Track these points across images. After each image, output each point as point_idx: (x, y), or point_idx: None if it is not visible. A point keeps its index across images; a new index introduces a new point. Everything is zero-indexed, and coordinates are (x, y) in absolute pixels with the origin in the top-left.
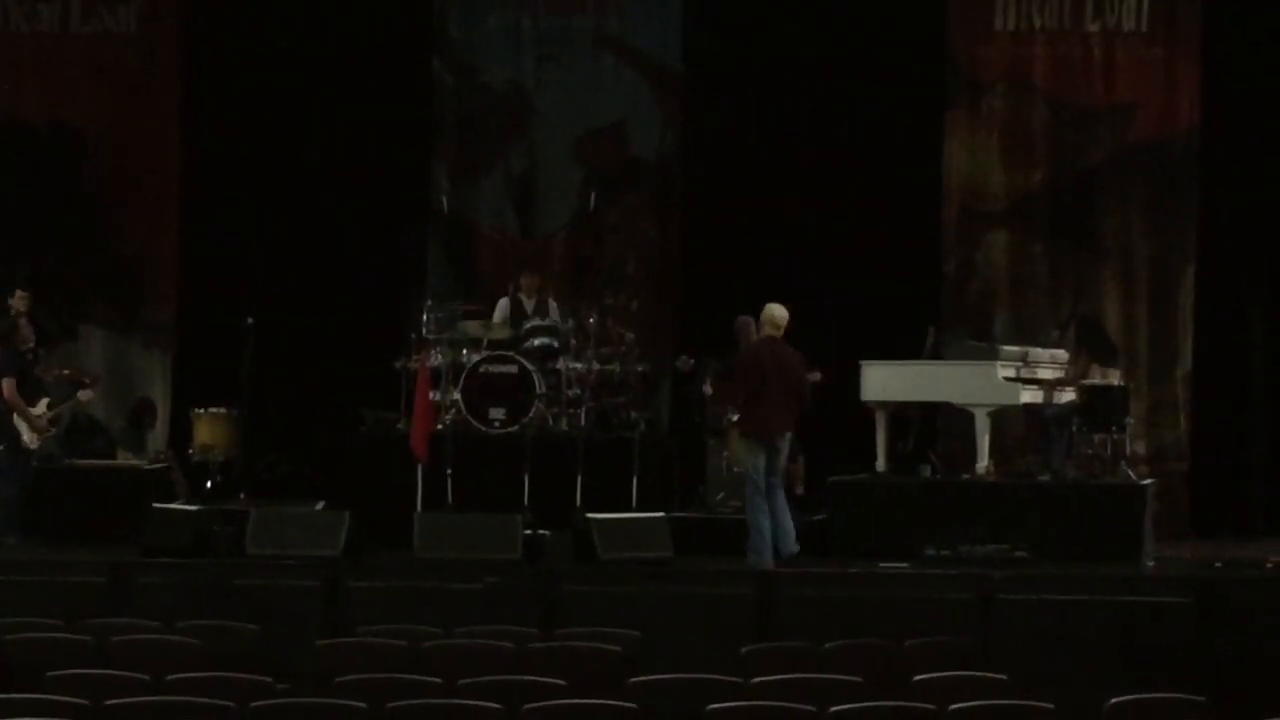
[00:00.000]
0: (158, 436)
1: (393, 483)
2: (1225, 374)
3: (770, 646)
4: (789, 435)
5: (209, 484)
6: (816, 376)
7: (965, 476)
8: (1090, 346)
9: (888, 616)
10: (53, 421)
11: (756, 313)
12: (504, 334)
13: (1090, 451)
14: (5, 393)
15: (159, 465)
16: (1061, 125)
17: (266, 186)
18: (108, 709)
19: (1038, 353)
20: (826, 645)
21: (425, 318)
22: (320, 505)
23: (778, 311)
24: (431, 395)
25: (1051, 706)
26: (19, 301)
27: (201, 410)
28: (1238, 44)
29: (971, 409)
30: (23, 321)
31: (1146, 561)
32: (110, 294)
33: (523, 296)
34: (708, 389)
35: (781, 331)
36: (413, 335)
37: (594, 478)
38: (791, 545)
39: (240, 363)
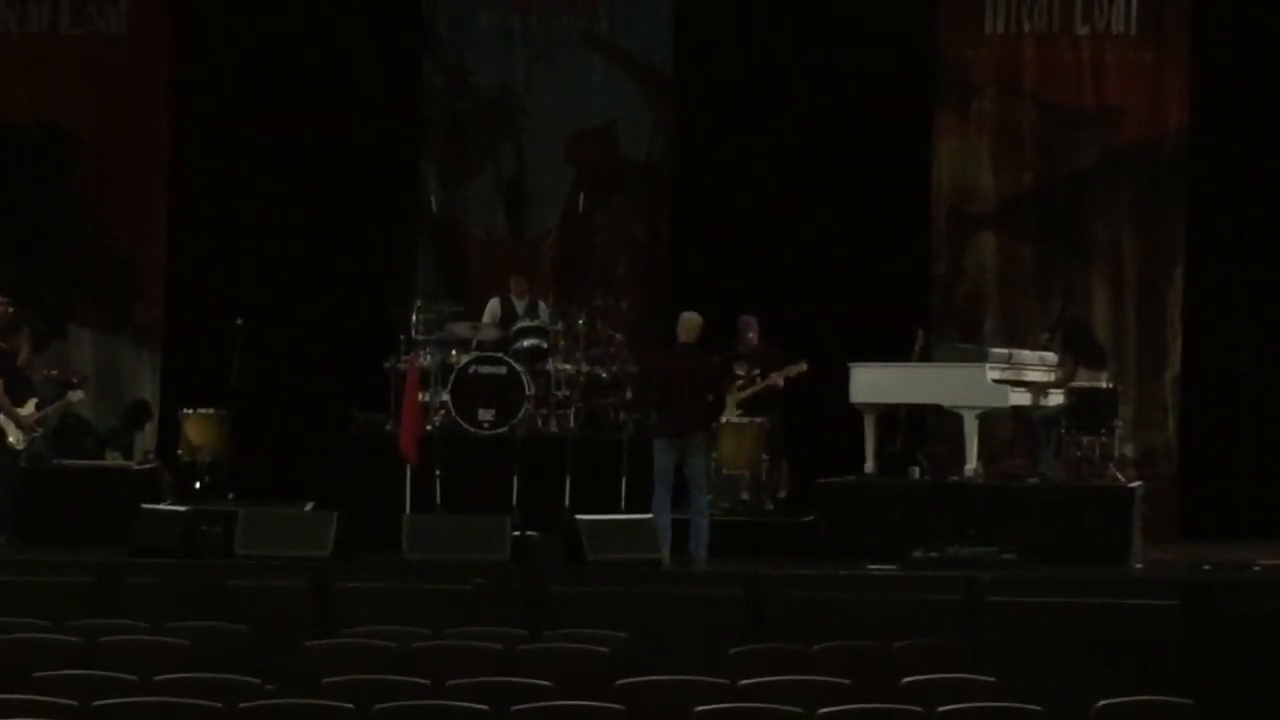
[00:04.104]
0: (147, 437)
1: (381, 484)
2: (1214, 377)
3: (758, 648)
4: (702, 436)
5: (197, 484)
6: (802, 368)
7: (954, 478)
8: (1077, 349)
9: (876, 618)
10: (40, 422)
11: (744, 315)
12: (493, 335)
13: (1079, 454)
14: None
15: (147, 465)
16: (1051, 127)
17: (255, 186)
18: (95, 710)
19: (1026, 355)
20: (815, 647)
21: (414, 318)
22: (309, 506)
23: (689, 318)
24: (421, 396)
25: (1039, 709)
26: (3, 305)
27: (190, 410)
28: (1226, 47)
29: (960, 411)
30: (26, 328)
31: (1134, 564)
32: (99, 294)
33: (513, 297)
34: (628, 394)
35: (694, 337)
36: (402, 336)
37: (583, 479)
38: (701, 550)
39: (229, 363)
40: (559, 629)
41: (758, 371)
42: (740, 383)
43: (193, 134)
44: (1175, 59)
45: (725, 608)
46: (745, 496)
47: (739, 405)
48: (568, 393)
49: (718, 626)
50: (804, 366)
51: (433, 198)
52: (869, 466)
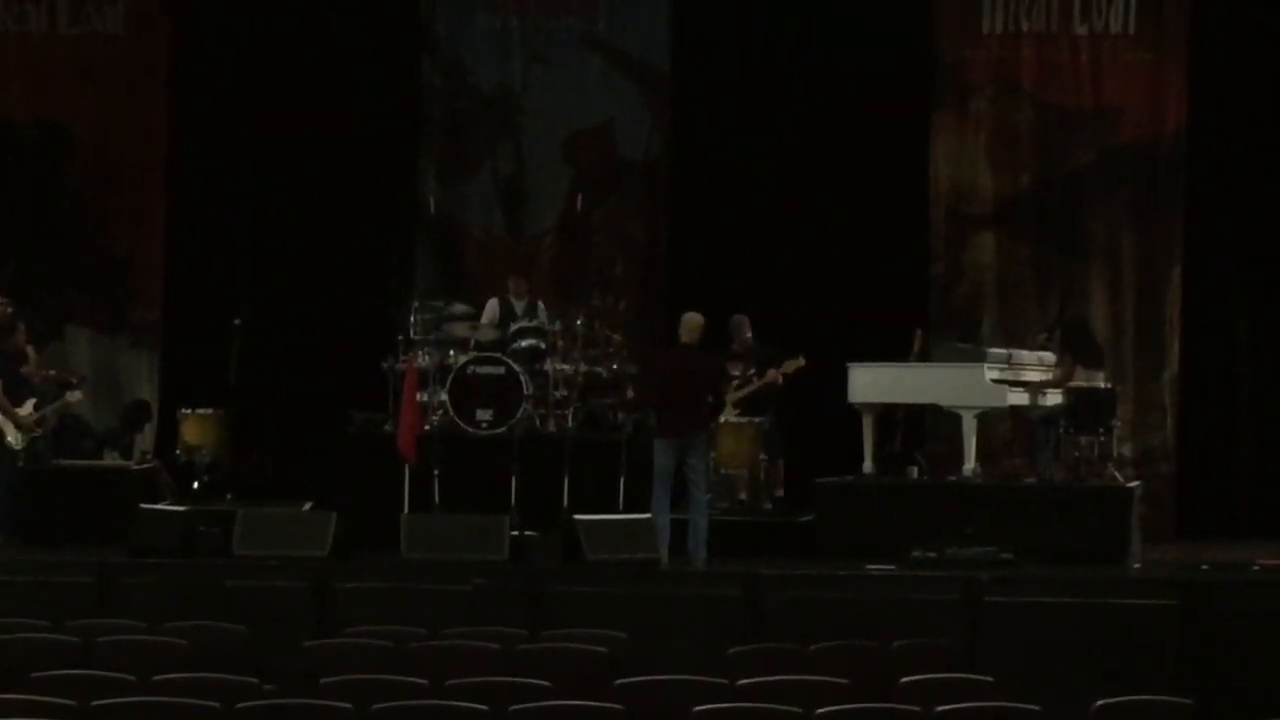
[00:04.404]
0: (145, 437)
1: (380, 483)
2: (1212, 376)
3: (757, 648)
4: (703, 436)
5: (196, 485)
6: (800, 363)
7: (952, 478)
8: (1076, 349)
9: (874, 618)
10: (38, 422)
11: (740, 315)
12: (491, 335)
13: (1077, 454)
14: None
15: (146, 466)
16: (1049, 127)
17: (254, 186)
18: (94, 709)
19: (1024, 355)
20: (813, 647)
21: (413, 319)
22: (307, 506)
23: (691, 319)
24: (419, 396)
25: (1038, 709)
26: (2, 306)
27: (189, 411)
28: (1224, 47)
29: (958, 411)
30: (21, 326)
31: (1133, 564)
32: (97, 294)
33: (511, 297)
34: (630, 393)
35: (695, 338)
36: (400, 336)
37: (581, 479)
38: (700, 549)
39: (227, 363)
40: (557, 629)
41: (753, 371)
42: (736, 382)
43: (191, 133)
44: (1173, 59)
45: (724, 608)
46: (743, 496)
47: (735, 405)
48: (566, 393)
49: (716, 626)
50: (801, 361)
51: (431, 197)
52: (867, 466)
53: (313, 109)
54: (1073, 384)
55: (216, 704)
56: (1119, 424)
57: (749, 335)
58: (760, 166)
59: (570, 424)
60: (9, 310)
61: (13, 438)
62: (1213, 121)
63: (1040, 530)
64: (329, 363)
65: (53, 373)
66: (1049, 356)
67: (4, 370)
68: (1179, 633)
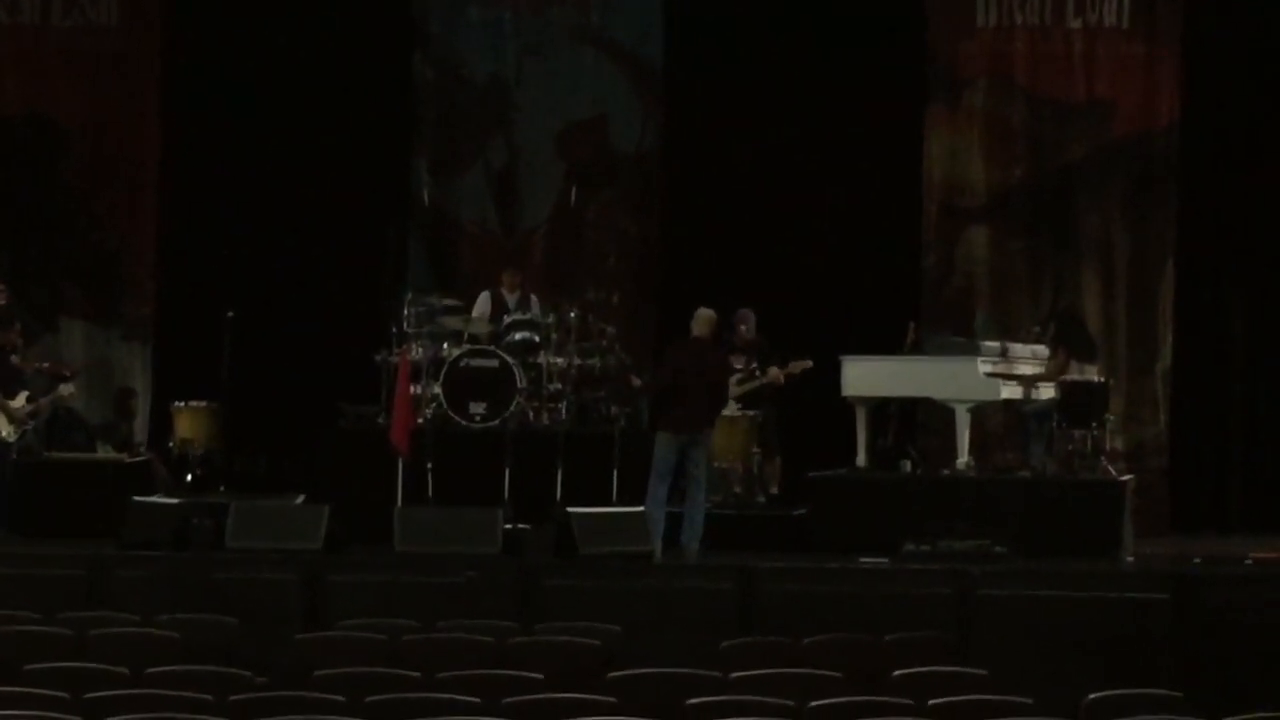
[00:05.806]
0: (137, 429)
1: (373, 477)
2: (1205, 370)
3: (750, 641)
4: (709, 431)
5: (189, 478)
6: (807, 364)
7: (945, 472)
8: (1069, 342)
9: (867, 611)
10: (31, 414)
11: (736, 308)
12: (484, 328)
13: (1070, 447)
14: None
15: (139, 458)
16: (1042, 121)
17: (247, 179)
18: (86, 702)
19: (1017, 348)
20: (806, 640)
21: (406, 312)
22: (300, 499)
23: (702, 313)
24: (412, 389)
25: (1030, 701)
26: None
27: (181, 404)
28: (1218, 41)
29: (952, 404)
30: (18, 323)
31: (1125, 557)
32: (90, 287)
33: (504, 291)
34: (636, 382)
35: (706, 332)
36: (393, 329)
37: (574, 472)
38: (693, 543)
39: (220, 356)
40: (551, 622)
41: (755, 366)
42: (739, 376)
43: (184, 127)
44: (1167, 52)
45: (717, 601)
46: (737, 490)
47: (736, 400)
48: (559, 386)
49: (709, 619)
50: (809, 363)
51: (424, 191)
52: (860, 460)
53: (305, 102)
54: (1066, 377)
55: (209, 696)
56: (1112, 418)
57: (745, 329)
58: (753, 160)
59: (563, 417)
60: (3, 304)
61: (4, 430)
62: (1206, 115)
63: (1033, 523)
64: (322, 356)
65: (46, 365)
66: (1042, 350)
67: None
68: (1171, 626)
